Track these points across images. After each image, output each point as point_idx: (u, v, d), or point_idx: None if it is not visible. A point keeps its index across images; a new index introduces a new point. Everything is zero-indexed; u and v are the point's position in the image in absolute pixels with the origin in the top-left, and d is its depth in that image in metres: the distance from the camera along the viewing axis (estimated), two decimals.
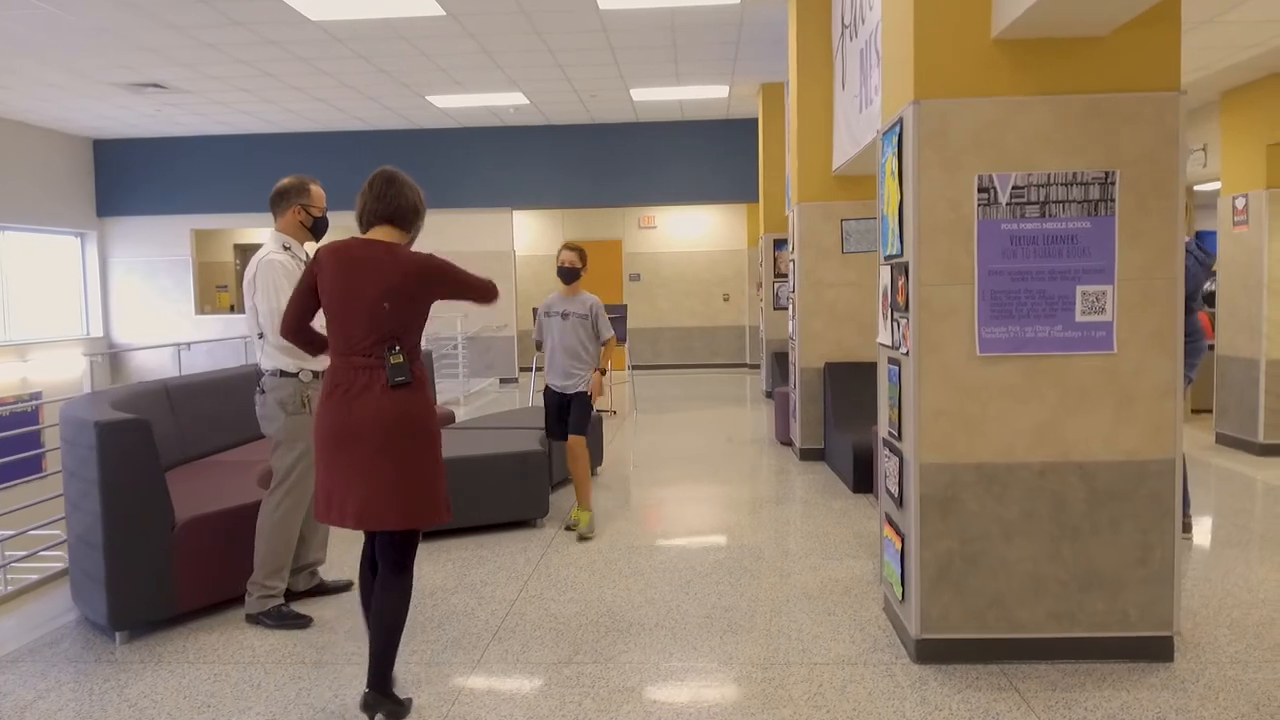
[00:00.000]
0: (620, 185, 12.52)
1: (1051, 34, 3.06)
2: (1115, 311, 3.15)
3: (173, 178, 12.99)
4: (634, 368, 15.00)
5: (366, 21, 7.63)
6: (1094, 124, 3.10)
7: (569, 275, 5.05)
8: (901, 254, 3.31)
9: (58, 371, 11.93)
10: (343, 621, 3.86)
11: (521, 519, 5.23)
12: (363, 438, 2.77)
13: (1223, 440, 7.46)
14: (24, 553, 4.69)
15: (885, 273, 3.58)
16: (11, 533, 4.93)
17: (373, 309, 2.79)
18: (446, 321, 12.04)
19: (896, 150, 3.33)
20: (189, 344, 9.32)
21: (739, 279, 14.73)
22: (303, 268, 3.94)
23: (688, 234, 14.86)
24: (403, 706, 2.95)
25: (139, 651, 3.59)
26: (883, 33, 3.63)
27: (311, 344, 3.10)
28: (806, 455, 7.05)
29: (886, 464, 3.60)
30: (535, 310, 5.21)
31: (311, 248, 3.57)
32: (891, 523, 3.55)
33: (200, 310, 13.56)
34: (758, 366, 13.93)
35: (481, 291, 3.04)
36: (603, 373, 5.10)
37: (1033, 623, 3.26)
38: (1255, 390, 7.04)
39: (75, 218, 12.84)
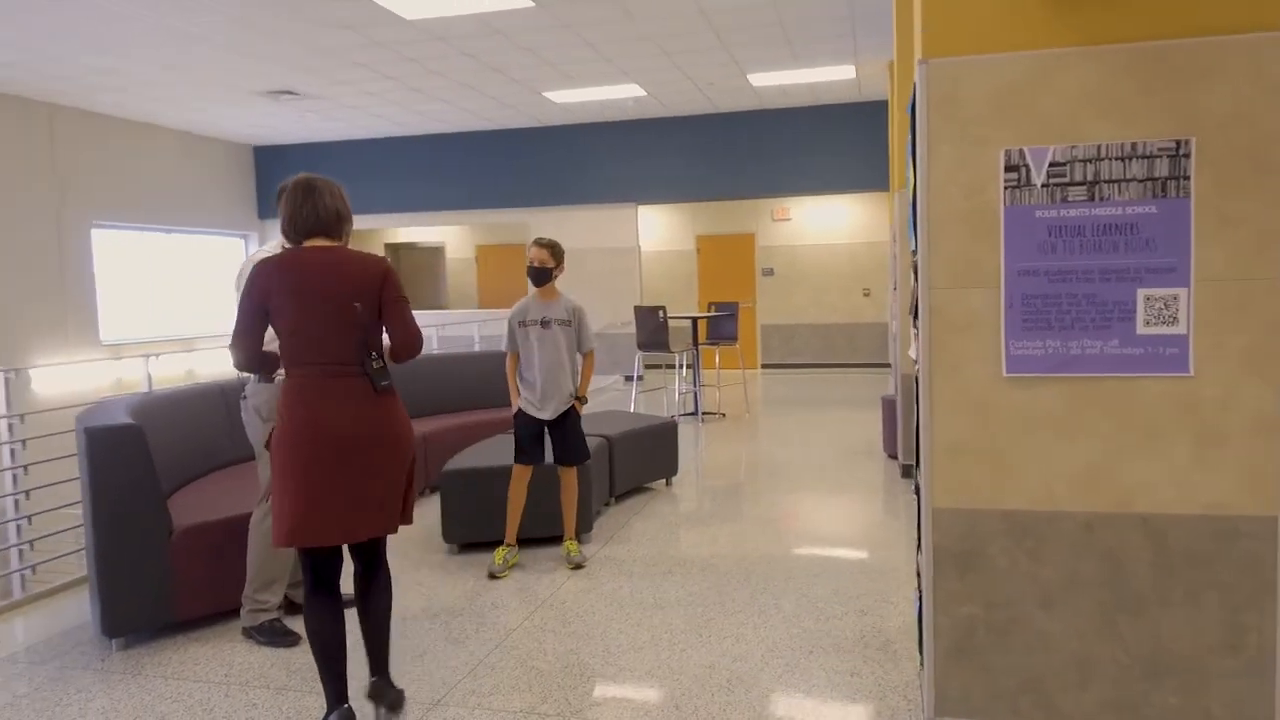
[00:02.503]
0: (747, 175, 11.98)
1: None
2: (1191, 322, 2.42)
3: None
4: (766, 366, 14.40)
5: (459, 18, 7.55)
6: (1160, 79, 2.38)
7: (541, 276, 4.34)
8: (918, 250, 2.71)
9: (221, 365, 12.81)
10: None
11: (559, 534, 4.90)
12: (358, 447, 2.74)
13: None
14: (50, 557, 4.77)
15: (912, 273, 2.97)
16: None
17: (343, 312, 2.75)
18: None
19: (913, 125, 2.73)
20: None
21: (881, 273, 13.76)
22: None
23: (825, 226, 14.05)
24: (402, 693, 3.00)
25: (127, 661, 3.55)
26: None
27: (265, 365, 2.98)
28: (909, 472, 6.32)
29: (915, 502, 3.01)
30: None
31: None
32: (919, 573, 2.95)
33: None
34: None
35: (409, 334, 2.90)
36: (583, 401, 4.46)
37: (1080, 714, 2.58)
38: None
39: (240, 220, 13.78)
